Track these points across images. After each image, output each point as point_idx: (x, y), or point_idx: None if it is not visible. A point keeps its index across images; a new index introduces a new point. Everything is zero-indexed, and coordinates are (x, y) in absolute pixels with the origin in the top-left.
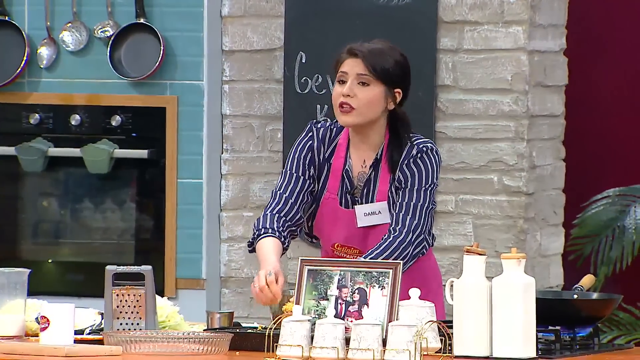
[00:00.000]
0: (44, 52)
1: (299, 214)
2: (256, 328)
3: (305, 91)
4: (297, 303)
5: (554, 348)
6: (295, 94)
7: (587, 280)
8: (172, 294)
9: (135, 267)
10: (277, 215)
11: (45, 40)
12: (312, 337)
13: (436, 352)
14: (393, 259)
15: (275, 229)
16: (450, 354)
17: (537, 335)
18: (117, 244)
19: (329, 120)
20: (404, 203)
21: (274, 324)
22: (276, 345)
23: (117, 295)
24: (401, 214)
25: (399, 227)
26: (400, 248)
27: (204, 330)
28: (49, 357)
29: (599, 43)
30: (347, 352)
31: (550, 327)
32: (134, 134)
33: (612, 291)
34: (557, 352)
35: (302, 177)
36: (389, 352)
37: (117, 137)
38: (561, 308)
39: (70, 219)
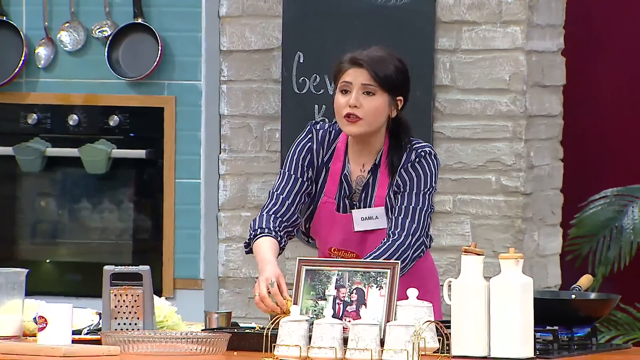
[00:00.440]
0: (42, 52)
1: (296, 215)
2: (254, 328)
3: (303, 91)
4: (295, 303)
5: (551, 348)
6: (293, 94)
7: (585, 280)
8: (170, 294)
9: (133, 267)
10: (273, 215)
11: (43, 40)
12: (310, 337)
13: (434, 352)
14: None
15: (272, 228)
16: (448, 354)
17: (535, 335)
18: (115, 244)
19: (327, 121)
20: (403, 207)
21: (272, 324)
22: (274, 345)
23: (115, 295)
24: (400, 218)
25: (398, 230)
26: (400, 251)
27: (202, 330)
28: (47, 357)
29: (597, 43)
30: (345, 352)
31: (548, 327)
32: (131, 134)
33: (609, 291)
34: (555, 352)
35: (299, 179)
36: (387, 352)
37: (115, 137)
38: (559, 308)
39: (68, 219)
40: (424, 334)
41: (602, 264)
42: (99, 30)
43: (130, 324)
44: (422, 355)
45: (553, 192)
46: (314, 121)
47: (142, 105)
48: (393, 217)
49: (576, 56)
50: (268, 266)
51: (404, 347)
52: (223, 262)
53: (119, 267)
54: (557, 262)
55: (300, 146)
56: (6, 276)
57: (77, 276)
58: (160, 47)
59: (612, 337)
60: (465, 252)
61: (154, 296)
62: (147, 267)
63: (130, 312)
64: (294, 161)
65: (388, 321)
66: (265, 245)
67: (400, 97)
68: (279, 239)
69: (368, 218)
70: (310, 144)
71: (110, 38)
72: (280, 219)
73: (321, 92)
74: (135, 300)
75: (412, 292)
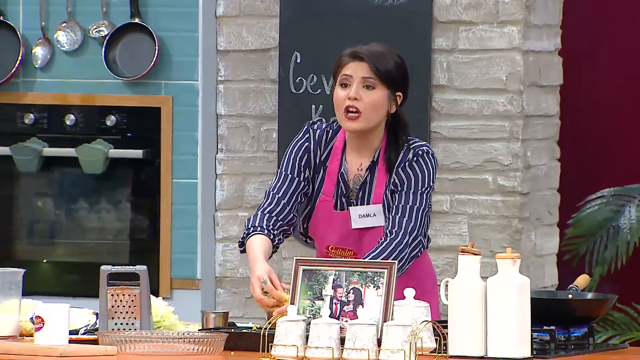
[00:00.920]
0: (39, 52)
1: (291, 214)
2: (251, 328)
3: (300, 91)
4: (292, 303)
5: (548, 348)
6: (290, 94)
7: (582, 280)
8: (167, 294)
9: (130, 267)
10: (267, 214)
11: (40, 40)
12: (307, 337)
13: (431, 352)
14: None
15: (264, 227)
16: (445, 354)
17: (532, 335)
18: (112, 244)
19: (324, 121)
20: (401, 206)
21: (269, 324)
22: (271, 345)
23: (112, 295)
24: (397, 217)
25: (395, 229)
26: (397, 250)
27: (199, 330)
28: (44, 357)
29: (593, 43)
30: (342, 352)
31: (545, 327)
32: (129, 134)
33: (606, 291)
34: (552, 352)
35: (296, 179)
36: (384, 352)
37: (112, 137)
38: (556, 308)
39: (65, 219)
40: (421, 334)
41: (599, 263)
42: (96, 30)
43: (127, 324)
44: (419, 355)
45: (550, 192)
46: (311, 121)
47: (139, 105)
48: (390, 216)
49: (573, 56)
50: (257, 264)
51: (401, 347)
52: (220, 262)
53: (116, 267)
54: (554, 262)
55: (297, 146)
56: (3, 276)
57: (74, 276)
58: (157, 47)
59: (609, 337)
60: (462, 252)
61: (151, 296)
62: (144, 267)
63: (127, 312)
64: (291, 161)
65: (385, 321)
66: (256, 243)
67: (400, 93)
68: (272, 236)
69: (365, 215)
70: (307, 143)
71: (107, 38)
72: (275, 217)
73: (318, 92)
74: (133, 300)
75: (409, 292)
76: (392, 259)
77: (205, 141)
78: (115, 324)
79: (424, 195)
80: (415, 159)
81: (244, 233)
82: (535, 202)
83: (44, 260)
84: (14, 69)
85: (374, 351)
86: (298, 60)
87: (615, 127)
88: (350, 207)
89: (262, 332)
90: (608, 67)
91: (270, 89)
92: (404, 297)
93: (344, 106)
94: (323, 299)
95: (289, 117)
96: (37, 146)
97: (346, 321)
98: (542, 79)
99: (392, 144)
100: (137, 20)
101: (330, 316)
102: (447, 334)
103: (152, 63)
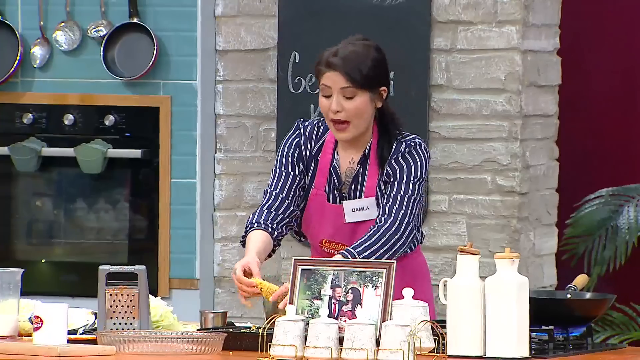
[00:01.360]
0: (38, 51)
1: (292, 207)
2: (250, 328)
3: (299, 91)
4: (291, 303)
5: (547, 348)
6: (289, 93)
7: (581, 280)
8: (165, 294)
9: (129, 267)
10: (267, 210)
11: (38, 40)
12: (305, 337)
13: (430, 352)
14: (379, 247)
15: (262, 222)
16: (443, 354)
17: (530, 335)
18: (110, 244)
19: (321, 120)
20: (392, 195)
21: (268, 323)
22: (270, 345)
23: (111, 295)
24: (388, 205)
25: (385, 216)
26: (387, 235)
27: (198, 330)
28: (43, 357)
29: (592, 43)
30: (341, 352)
31: (543, 327)
32: (127, 134)
33: (605, 291)
34: (551, 352)
35: (291, 173)
36: (383, 352)
37: (111, 137)
38: (555, 308)
39: (64, 219)
40: (420, 334)
41: (598, 263)
42: (95, 29)
43: (125, 323)
44: (417, 355)
45: (549, 192)
46: (302, 119)
47: (137, 105)
48: (381, 205)
49: (572, 56)
50: (245, 256)
51: (399, 346)
52: (219, 262)
53: (115, 266)
54: (553, 261)
55: (288, 143)
56: (1, 276)
57: (72, 276)
58: (155, 47)
59: (607, 337)
60: (461, 251)
61: (150, 296)
62: (142, 267)
63: (125, 312)
64: (284, 157)
65: (384, 321)
66: (253, 239)
67: (383, 87)
68: (270, 230)
69: (359, 209)
70: (298, 139)
71: (105, 38)
72: (274, 212)
73: (317, 91)
74: (131, 300)
75: (408, 292)
76: (381, 245)
77: (204, 141)
78: (114, 323)
79: (416, 185)
80: (407, 150)
81: (245, 230)
82: (534, 202)
83: (43, 260)
84: (13, 69)
85: (372, 351)
86: (297, 60)
87: (613, 126)
88: (343, 201)
89: (260, 332)
90: (607, 67)
91: (268, 89)
92: (402, 297)
93: (329, 118)
94: (322, 299)
95: (287, 117)
96: (35, 146)
97: (345, 321)
98: (540, 78)
99: (384, 138)
100: (135, 20)
101: (329, 316)
102: (445, 333)
103: (151, 63)
